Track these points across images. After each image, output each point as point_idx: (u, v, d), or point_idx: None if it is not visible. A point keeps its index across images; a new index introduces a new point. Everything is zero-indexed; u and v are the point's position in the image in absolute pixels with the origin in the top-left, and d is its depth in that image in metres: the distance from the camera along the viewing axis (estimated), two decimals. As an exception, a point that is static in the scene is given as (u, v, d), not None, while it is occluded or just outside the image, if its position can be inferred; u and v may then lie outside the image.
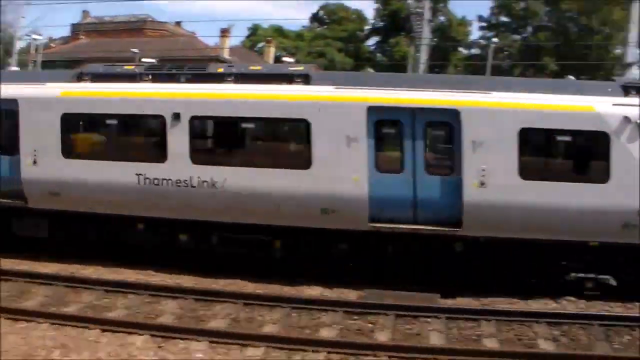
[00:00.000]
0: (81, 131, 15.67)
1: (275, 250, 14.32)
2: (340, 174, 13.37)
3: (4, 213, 15.25)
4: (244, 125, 14.48)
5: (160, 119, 14.30)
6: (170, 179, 14.07)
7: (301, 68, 15.25)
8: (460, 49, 58.36)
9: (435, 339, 10.97)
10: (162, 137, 14.29)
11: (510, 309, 12.54)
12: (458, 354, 10.16)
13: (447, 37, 54.96)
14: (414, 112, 13.45)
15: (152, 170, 14.21)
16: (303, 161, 13.69)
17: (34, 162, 14.73)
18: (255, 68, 15.91)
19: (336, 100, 13.56)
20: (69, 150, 14.79)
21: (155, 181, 14.15)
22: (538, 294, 13.14)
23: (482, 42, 55.04)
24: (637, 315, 12.41)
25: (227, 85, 14.33)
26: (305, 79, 14.16)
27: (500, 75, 37.46)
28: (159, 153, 14.34)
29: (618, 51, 38.56)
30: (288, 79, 14.25)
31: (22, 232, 15.35)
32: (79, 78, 15.22)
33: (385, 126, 13.89)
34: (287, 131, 15.20)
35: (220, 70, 15.33)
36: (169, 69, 15.42)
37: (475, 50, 57.95)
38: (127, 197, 14.27)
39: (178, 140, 14.11)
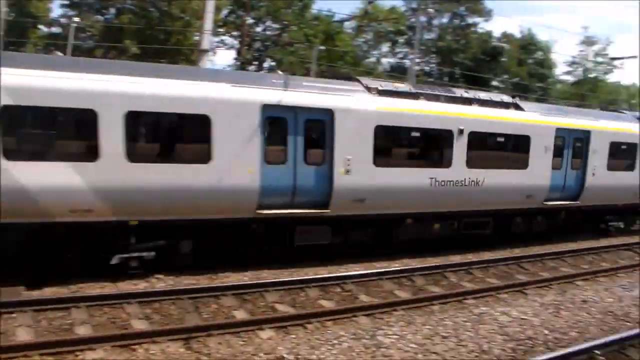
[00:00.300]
0: (389, 142, 17.55)
1: (489, 227, 20.26)
2: (541, 172, 20.56)
3: (281, 224, 15.95)
4: (498, 139, 19.55)
5: (449, 133, 18.13)
6: (452, 180, 18.30)
7: (506, 96, 21.09)
8: (41, 26, 54.89)
9: (23, 335, 10.38)
10: (450, 148, 18.21)
11: (101, 293, 12.56)
12: (48, 347, 9.83)
13: (26, 13, 51.05)
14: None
15: (441, 174, 18.10)
16: (523, 164, 20.07)
17: (347, 172, 16.03)
18: (480, 95, 20.61)
19: (542, 123, 20.57)
20: (379, 159, 16.78)
21: (442, 182, 18.10)
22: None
23: (64, 20, 52.72)
24: (221, 285, 13.57)
25: (476, 107, 19.19)
26: (518, 107, 20.54)
27: (82, 55, 36.70)
28: (446, 160, 18.26)
29: (196, 38, 40.67)
30: (506, 105, 20.18)
31: (304, 242, 16.42)
32: (369, 90, 17.14)
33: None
34: (517, 143, 20.16)
35: (467, 95, 19.76)
36: (436, 91, 19.06)
37: (56, 29, 55.15)
38: (420, 197, 17.76)
39: (460, 150, 18.38)
